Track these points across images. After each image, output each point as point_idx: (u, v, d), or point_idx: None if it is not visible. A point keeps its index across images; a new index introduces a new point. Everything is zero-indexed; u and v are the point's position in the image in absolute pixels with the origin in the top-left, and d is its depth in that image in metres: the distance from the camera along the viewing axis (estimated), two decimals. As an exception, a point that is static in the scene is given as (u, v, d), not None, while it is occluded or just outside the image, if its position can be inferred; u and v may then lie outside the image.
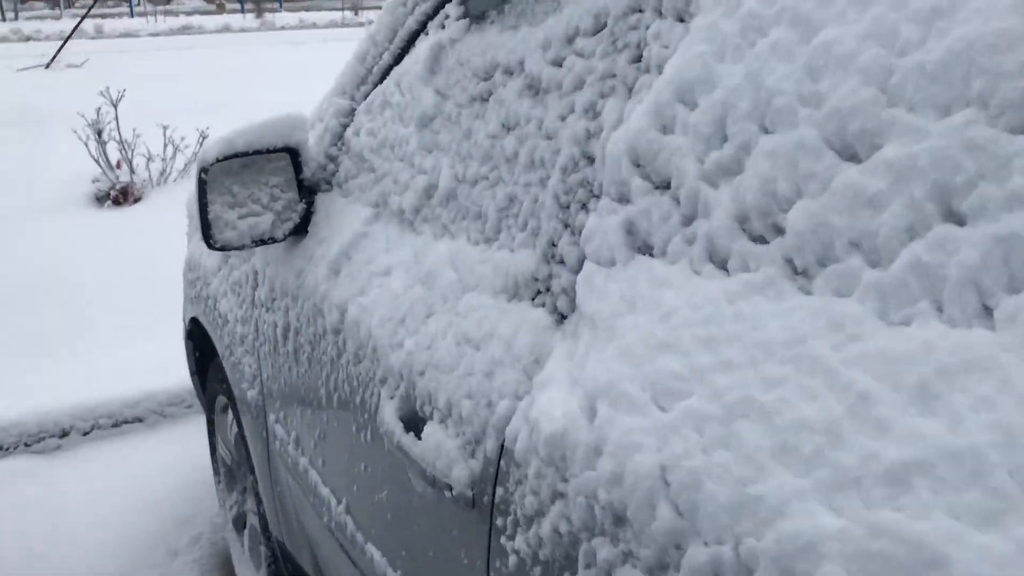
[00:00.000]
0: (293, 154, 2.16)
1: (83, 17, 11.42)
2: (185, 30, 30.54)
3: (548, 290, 1.26)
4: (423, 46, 1.85)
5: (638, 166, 1.08)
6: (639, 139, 1.08)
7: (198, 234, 3.05)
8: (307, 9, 41.88)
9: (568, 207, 1.23)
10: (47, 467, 4.07)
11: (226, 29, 31.20)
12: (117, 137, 6.69)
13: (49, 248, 5.82)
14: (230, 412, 3.04)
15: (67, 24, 27.85)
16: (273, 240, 2.14)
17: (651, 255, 1.05)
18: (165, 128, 6.78)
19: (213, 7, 42.87)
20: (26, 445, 4.12)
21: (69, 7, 35.95)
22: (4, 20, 32.21)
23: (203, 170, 2.04)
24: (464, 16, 1.75)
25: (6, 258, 5.68)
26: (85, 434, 4.24)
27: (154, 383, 4.52)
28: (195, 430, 4.19)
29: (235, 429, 2.95)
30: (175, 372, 4.54)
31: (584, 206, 1.20)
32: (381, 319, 1.64)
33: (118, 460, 4.14)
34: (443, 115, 1.70)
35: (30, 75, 14.40)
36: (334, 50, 19.88)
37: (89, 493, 3.87)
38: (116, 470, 4.07)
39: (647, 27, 1.14)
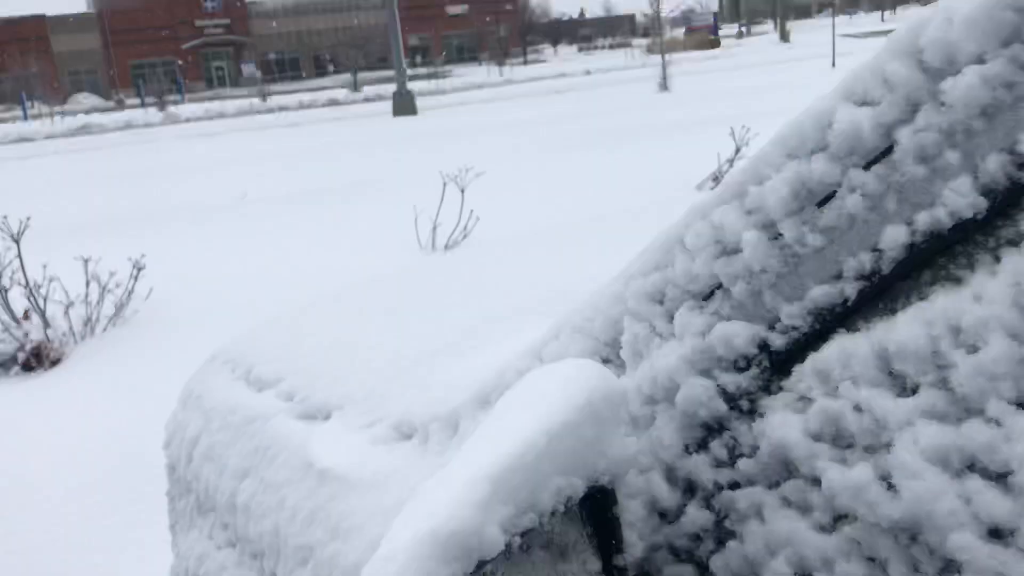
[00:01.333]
0: (597, 501, 0.73)
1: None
2: (84, 130, 28.78)
3: None
4: None
5: None
6: None
7: (202, 539, 1.56)
8: (211, 99, 40.29)
9: None
10: None
11: (128, 126, 29.50)
12: (22, 280, 5.08)
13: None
14: None
15: (-46, 133, 25.79)
16: None
17: None
18: (86, 261, 5.20)
19: (111, 104, 40.94)
20: None
21: (-45, 115, 33.73)
22: None
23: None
24: None
25: None
26: None
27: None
28: None
29: None
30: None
31: None
32: None
33: None
34: None
35: (-89, 195, 12.52)
36: (251, 139, 18.42)
37: None
38: None
39: None
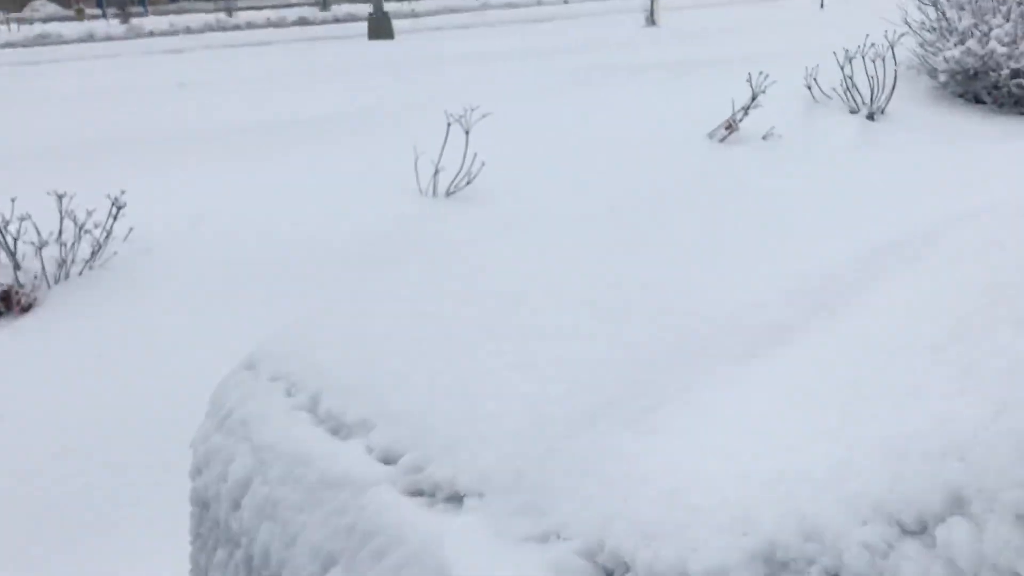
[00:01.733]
0: None
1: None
2: (42, 40, 27.52)
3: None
4: None
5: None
6: None
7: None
8: (176, 12, 38.78)
9: None
10: None
11: (90, 37, 28.26)
12: (-11, 216, 4.62)
13: None
14: None
15: (-97, 38, 24.49)
16: None
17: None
18: (60, 197, 4.74)
19: (71, 13, 39.25)
20: None
21: (-96, 17, 32.08)
22: None
23: None
24: None
25: None
26: None
27: None
28: None
29: None
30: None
31: None
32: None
33: None
34: None
35: None
36: (220, 58, 17.62)
37: None
38: None
39: None
